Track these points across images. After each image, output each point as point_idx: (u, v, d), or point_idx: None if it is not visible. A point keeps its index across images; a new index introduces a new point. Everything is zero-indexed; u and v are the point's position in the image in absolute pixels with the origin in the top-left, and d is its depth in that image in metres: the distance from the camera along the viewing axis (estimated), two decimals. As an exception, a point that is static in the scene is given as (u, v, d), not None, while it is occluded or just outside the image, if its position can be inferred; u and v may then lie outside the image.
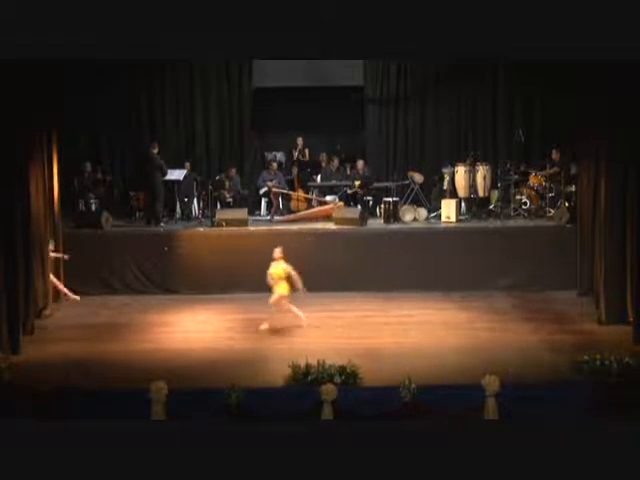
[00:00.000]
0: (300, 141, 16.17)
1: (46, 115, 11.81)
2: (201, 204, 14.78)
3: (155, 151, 14.04)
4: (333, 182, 15.38)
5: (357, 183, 15.03)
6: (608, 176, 10.93)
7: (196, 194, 15.20)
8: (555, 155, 14.32)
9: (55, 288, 11.92)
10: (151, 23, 7.64)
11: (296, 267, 12.73)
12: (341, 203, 14.49)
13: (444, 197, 14.37)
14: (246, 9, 7.62)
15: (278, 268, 10.81)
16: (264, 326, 10.75)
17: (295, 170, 15.85)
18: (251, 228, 13.60)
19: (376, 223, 13.99)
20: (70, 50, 7.79)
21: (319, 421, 7.75)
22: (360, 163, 15.31)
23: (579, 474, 6.50)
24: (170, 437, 6.89)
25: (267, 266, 12.75)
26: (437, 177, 15.06)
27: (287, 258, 12.83)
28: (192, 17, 7.64)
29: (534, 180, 14.34)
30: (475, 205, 14.40)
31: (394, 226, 13.68)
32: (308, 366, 8.49)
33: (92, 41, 7.68)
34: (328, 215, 14.05)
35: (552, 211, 13.83)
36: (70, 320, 11.54)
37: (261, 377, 8.82)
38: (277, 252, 10.90)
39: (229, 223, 13.45)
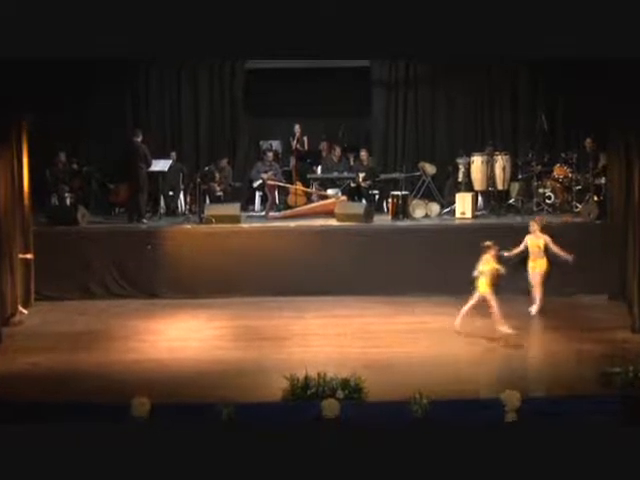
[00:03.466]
0: (298, 128, 16.15)
1: (14, 101, 11.74)
2: (188, 198, 14.76)
3: (138, 139, 14.01)
4: (335, 174, 15.36)
5: (362, 175, 15.01)
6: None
7: (183, 187, 15.18)
8: (589, 144, 14.24)
9: None
10: (152, 22, 8.04)
11: (295, 268, 12.79)
12: (344, 197, 14.47)
13: (459, 190, 14.36)
14: (245, 9, 8.01)
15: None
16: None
17: (293, 160, 15.83)
18: (244, 225, 13.58)
19: (383, 219, 13.97)
20: (57, 49, 8.21)
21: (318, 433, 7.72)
22: (365, 153, 15.28)
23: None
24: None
25: (262, 267, 12.82)
26: (451, 168, 15.05)
27: (284, 258, 12.86)
28: (189, 17, 8.02)
29: (559, 171, 14.30)
30: (493, 199, 14.38)
31: (403, 223, 13.66)
32: (307, 379, 8.45)
33: (79, 40, 8.12)
34: (329, 211, 14.02)
35: (579, 206, 13.80)
36: (42, 328, 11.51)
37: (255, 391, 8.79)
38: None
39: (219, 220, 13.42)
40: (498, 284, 10.73)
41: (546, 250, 11.38)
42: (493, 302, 10.58)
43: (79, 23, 8.05)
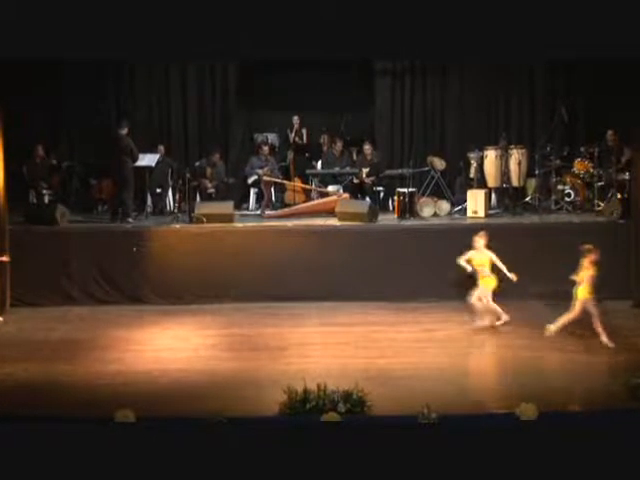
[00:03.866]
0: (297, 120, 16.16)
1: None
2: (177, 196, 14.75)
3: (123, 132, 14.00)
4: (336, 169, 15.36)
5: (365, 170, 15.02)
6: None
7: (171, 184, 15.18)
8: (611, 137, 14.25)
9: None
10: (150, 21, 8.46)
11: (293, 271, 12.80)
12: (346, 195, 14.47)
13: (470, 187, 14.36)
14: (244, 9, 8.39)
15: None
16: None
17: (291, 155, 15.82)
18: (238, 225, 13.58)
19: (388, 219, 13.97)
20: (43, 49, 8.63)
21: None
22: (368, 146, 15.29)
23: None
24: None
25: (257, 270, 12.82)
26: (462, 163, 15.05)
27: (281, 261, 12.85)
28: (184, 17, 8.41)
29: (580, 167, 14.31)
30: (508, 197, 14.38)
31: (410, 222, 13.66)
32: (306, 391, 8.46)
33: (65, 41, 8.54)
34: (330, 209, 14.03)
35: (601, 204, 13.80)
36: (19, 336, 11.51)
37: (250, 405, 8.80)
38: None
39: (211, 219, 13.42)
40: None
41: (493, 266, 11.21)
42: (594, 311, 10.55)
43: (64, 22, 8.40)
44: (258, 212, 14.72)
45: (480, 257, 11.18)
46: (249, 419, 8.23)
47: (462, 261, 11.18)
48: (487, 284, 11.18)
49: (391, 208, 14.67)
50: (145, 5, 8.39)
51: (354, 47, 8.79)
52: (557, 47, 8.60)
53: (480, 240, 11.21)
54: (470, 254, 11.20)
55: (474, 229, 13.23)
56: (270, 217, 14.25)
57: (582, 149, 14.46)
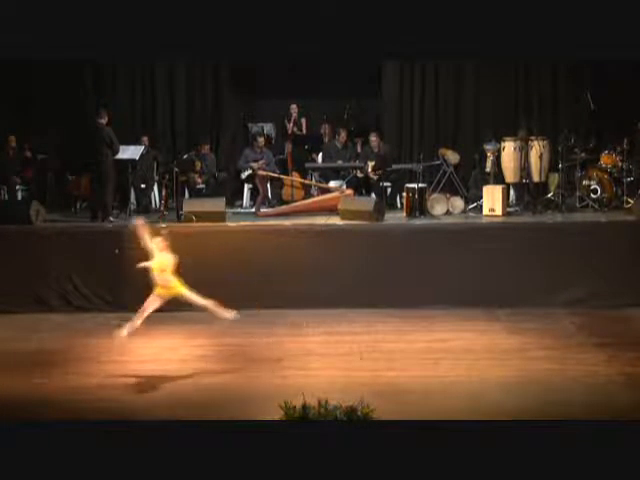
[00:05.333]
0: (295, 108, 16.20)
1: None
2: (163, 192, 14.78)
3: (102, 121, 14.03)
4: (339, 163, 15.39)
5: (371, 164, 15.06)
6: None
7: (157, 178, 15.22)
8: None
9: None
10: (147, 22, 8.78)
11: (291, 275, 12.81)
12: (350, 191, 14.51)
13: (487, 183, 14.39)
14: (244, 10, 8.69)
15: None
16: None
17: (288, 147, 15.86)
18: (230, 224, 13.62)
19: (396, 217, 14.02)
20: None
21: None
22: (375, 137, 15.32)
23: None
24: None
25: (251, 274, 12.85)
26: (477, 156, 15.08)
27: (277, 264, 12.86)
28: (182, 15, 8.72)
29: (607, 160, 14.34)
30: (528, 193, 14.41)
31: (420, 221, 13.70)
32: (305, 407, 8.45)
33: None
34: (332, 206, 14.07)
35: (631, 201, 13.84)
36: (-11, 346, 11.57)
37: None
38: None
39: (201, 217, 13.46)
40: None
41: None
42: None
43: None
44: (252, 210, 14.76)
45: (161, 261, 10.44)
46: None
47: (143, 264, 10.48)
48: (167, 291, 10.49)
49: (399, 205, 14.71)
50: (136, 4, 8.66)
51: (355, 47, 8.93)
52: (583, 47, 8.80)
53: (163, 240, 10.53)
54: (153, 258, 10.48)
55: (491, 228, 13.36)
56: (266, 215, 14.29)
57: (610, 141, 14.50)
